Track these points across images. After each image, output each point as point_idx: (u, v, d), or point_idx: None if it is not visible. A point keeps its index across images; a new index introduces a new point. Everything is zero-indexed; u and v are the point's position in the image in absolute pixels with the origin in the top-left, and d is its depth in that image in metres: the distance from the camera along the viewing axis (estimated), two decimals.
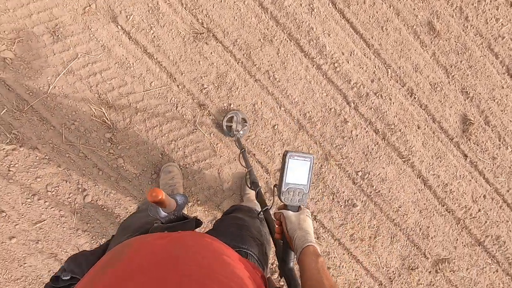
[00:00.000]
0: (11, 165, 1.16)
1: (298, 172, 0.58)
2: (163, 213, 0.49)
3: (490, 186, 1.46)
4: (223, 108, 1.24)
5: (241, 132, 1.19)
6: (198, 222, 0.54)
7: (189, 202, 1.20)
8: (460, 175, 1.43)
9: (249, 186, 0.80)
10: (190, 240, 0.41)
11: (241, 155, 0.94)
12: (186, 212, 0.89)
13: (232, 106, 1.24)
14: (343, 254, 1.33)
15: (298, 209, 0.58)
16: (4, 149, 1.14)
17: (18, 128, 1.15)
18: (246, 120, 1.23)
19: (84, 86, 1.17)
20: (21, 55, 1.11)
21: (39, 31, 1.11)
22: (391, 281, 1.37)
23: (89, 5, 1.14)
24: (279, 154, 1.29)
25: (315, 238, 0.53)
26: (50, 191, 1.21)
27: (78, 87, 1.17)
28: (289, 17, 1.27)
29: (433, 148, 1.40)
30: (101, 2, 1.15)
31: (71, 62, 1.14)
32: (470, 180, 1.44)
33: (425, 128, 1.40)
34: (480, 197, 1.44)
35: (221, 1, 1.22)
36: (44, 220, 1.18)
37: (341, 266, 1.32)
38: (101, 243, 0.82)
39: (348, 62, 1.33)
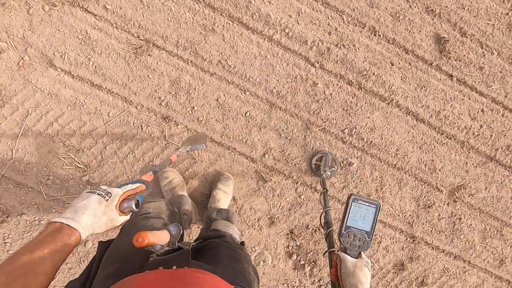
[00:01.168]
0: (6, 237, 1.47)
1: (361, 217, 0.70)
2: (158, 247, 0.60)
3: (486, 98, 1.76)
4: (187, 113, 1.52)
5: (328, 172, 1.51)
6: (193, 249, 0.67)
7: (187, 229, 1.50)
8: (450, 98, 1.72)
9: (321, 224, 0.99)
10: (191, 278, 0.49)
11: (322, 195, 1.17)
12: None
13: (196, 108, 1.52)
14: None
15: (357, 255, 0.69)
16: None
17: None
18: (336, 162, 1.55)
19: (45, 139, 1.45)
20: None
21: None
22: (411, 225, 1.70)
23: (22, 58, 1.40)
24: (259, 139, 1.58)
25: None
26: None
27: (40, 142, 1.45)
28: None
29: (413, 80, 1.69)
30: (32, 52, 1.41)
31: (25, 120, 1.42)
32: (462, 99, 1.73)
33: (399, 63, 1.68)
34: (478, 112, 1.74)
35: (149, 7, 1.47)
36: (54, 278, 1.50)
37: None
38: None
39: (298, 23, 1.59)
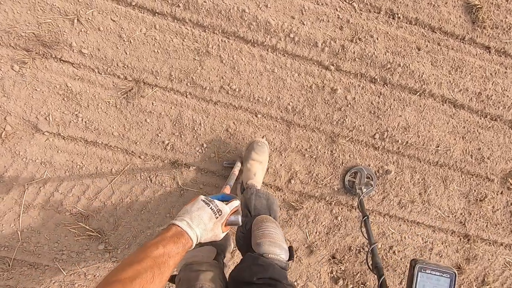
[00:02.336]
0: None
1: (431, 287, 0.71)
2: None
3: None
4: (197, 152, 1.70)
5: (364, 190, 1.66)
6: None
7: None
8: (491, 74, 1.88)
9: (370, 268, 1.00)
10: None
11: (362, 223, 1.23)
12: None
13: (205, 145, 1.70)
14: (399, 225, 1.89)
15: None
16: None
17: (16, 286, 1.69)
18: (372, 178, 1.71)
19: (50, 212, 1.66)
20: None
21: None
22: (463, 224, 1.94)
23: (3, 129, 1.56)
24: (281, 165, 1.78)
25: None
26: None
27: (45, 216, 1.66)
28: (213, 13, 1.63)
29: (446, 63, 1.84)
30: (12, 120, 1.57)
31: (23, 197, 1.62)
32: (505, 73, 1.90)
33: (427, 46, 1.82)
34: None
35: (131, 42, 1.60)
36: None
37: (403, 238, 1.89)
38: None
39: (303, 24, 1.72)
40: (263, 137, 1.69)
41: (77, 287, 1.71)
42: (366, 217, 1.30)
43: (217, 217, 0.82)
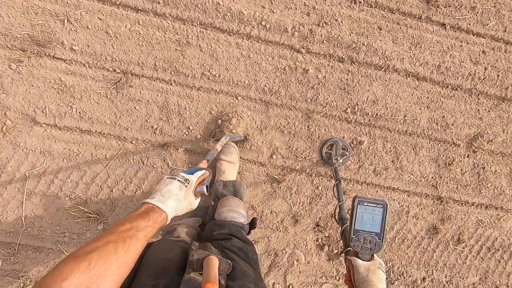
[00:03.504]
0: None
1: (369, 219, 0.81)
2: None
3: (484, 38, 2.08)
4: (184, 134, 1.83)
5: (340, 161, 1.80)
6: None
7: None
8: (448, 47, 2.05)
9: (336, 220, 1.13)
10: None
11: (335, 187, 1.34)
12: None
13: (191, 127, 1.84)
14: (376, 191, 2.02)
15: (370, 258, 0.81)
16: None
17: (22, 269, 1.79)
18: (347, 149, 1.84)
19: (51, 198, 1.77)
20: None
21: None
22: (435, 187, 2.08)
23: (4, 124, 1.68)
24: (262, 142, 1.91)
25: None
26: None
27: (46, 202, 1.77)
28: (190, 7, 1.77)
29: (406, 40, 2.00)
30: (12, 114, 1.69)
31: (25, 184, 1.73)
32: (460, 46, 2.06)
33: (387, 26, 1.99)
34: (479, 55, 2.07)
35: (117, 37, 1.74)
36: None
37: None
38: None
39: (273, 12, 1.87)
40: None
41: None
42: (338, 181, 1.42)
43: (186, 186, 0.85)
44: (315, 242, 1.99)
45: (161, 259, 0.89)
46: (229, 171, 1.71)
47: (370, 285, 0.75)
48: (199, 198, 0.92)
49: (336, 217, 1.15)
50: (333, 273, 1.99)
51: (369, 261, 0.81)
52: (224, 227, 1.16)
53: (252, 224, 1.27)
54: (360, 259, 0.81)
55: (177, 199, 0.82)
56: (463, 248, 2.10)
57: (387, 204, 0.84)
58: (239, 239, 1.10)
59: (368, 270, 0.77)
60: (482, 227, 2.11)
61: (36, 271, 1.78)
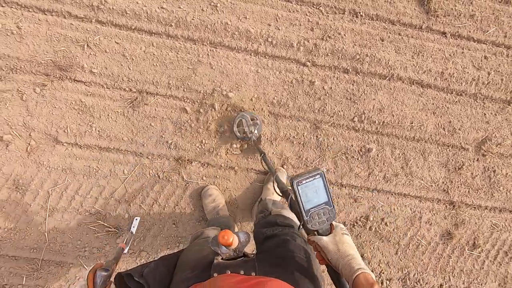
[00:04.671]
0: None
1: (312, 194, 0.79)
2: (224, 249, 0.80)
3: (485, 44, 2.10)
4: (197, 148, 1.88)
5: (255, 132, 1.73)
6: (265, 237, 0.99)
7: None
8: (450, 55, 2.07)
9: (279, 194, 1.07)
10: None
11: (262, 160, 1.36)
12: None
13: (204, 141, 1.88)
14: (387, 198, 2.01)
15: (330, 228, 0.80)
16: None
17: (45, 285, 1.82)
18: (255, 118, 1.78)
19: (72, 214, 1.81)
20: (4, 225, 1.76)
21: (5, 195, 1.75)
22: (447, 192, 2.06)
23: (28, 144, 1.76)
24: (273, 153, 1.94)
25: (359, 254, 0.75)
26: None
27: (68, 218, 1.81)
28: (200, 28, 1.86)
29: (408, 49, 2.04)
30: (36, 135, 1.77)
31: (47, 201, 1.78)
32: (462, 53, 2.09)
33: (389, 36, 2.03)
34: (481, 61, 2.09)
35: (133, 59, 1.82)
36: None
37: (392, 210, 2.00)
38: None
39: (279, 29, 1.94)
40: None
41: None
42: (263, 154, 1.41)
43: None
44: None
45: (194, 258, 0.93)
46: (277, 195, 1.76)
47: (345, 257, 0.72)
48: None
49: (277, 191, 1.09)
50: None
51: (330, 232, 0.79)
52: (287, 219, 1.21)
53: None
54: (323, 235, 0.79)
55: None
56: (479, 253, 2.06)
57: (322, 172, 0.81)
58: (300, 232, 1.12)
59: (336, 243, 0.75)
60: (498, 231, 2.07)
61: (58, 285, 1.81)
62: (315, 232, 0.81)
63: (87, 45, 1.77)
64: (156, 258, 1.02)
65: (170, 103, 1.83)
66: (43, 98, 1.75)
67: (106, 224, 1.79)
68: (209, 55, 1.85)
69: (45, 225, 1.76)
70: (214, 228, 1.55)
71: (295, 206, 0.85)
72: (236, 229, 1.82)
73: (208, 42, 1.85)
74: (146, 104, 1.81)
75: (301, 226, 0.85)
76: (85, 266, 1.81)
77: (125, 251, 1.27)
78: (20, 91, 1.74)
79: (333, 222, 0.81)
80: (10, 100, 1.73)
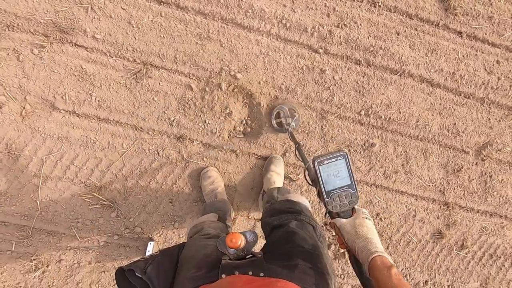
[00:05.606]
0: (50, 286, 1.80)
1: (335, 175, 0.76)
2: (232, 250, 0.76)
3: (499, 48, 2.04)
4: (200, 128, 1.80)
5: (293, 124, 1.70)
6: (270, 228, 0.96)
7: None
8: (463, 56, 2.01)
9: (310, 183, 1.03)
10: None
11: (296, 151, 1.33)
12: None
13: (207, 121, 1.80)
14: (385, 194, 1.99)
15: (352, 212, 0.77)
16: (35, 276, 1.77)
17: (35, 252, 1.76)
18: (295, 110, 1.75)
19: (66, 183, 1.73)
20: None
21: None
22: (443, 192, 2.05)
23: (23, 108, 1.65)
24: (276, 139, 1.88)
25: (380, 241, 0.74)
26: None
27: (61, 188, 1.73)
28: (213, 2, 1.73)
29: (422, 46, 1.96)
30: (32, 99, 1.66)
31: (41, 169, 1.70)
32: (475, 55, 2.02)
33: (405, 31, 1.95)
34: (493, 65, 2.03)
35: (139, 28, 1.70)
36: None
37: (388, 206, 1.99)
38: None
39: (294, 11, 1.83)
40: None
41: (90, 253, 1.78)
42: (298, 145, 1.36)
43: None
44: None
45: (198, 255, 0.90)
46: (278, 182, 1.74)
47: (362, 240, 0.69)
48: None
49: (308, 180, 1.05)
50: (338, 272, 1.96)
51: (351, 216, 0.77)
52: (295, 204, 1.18)
53: None
54: (343, 218, 0.77)
55: None
56: (466, 253, 2.08)
57: (346, 153, 0.78)
58: (308, 216, 1.09)
59: (355, 225, 0.73)
60: (486, 234, 2.09)
61: (49, 255, 1.75)
62: (336, 215, 0.78)
63: (91, 7, 1.64)
64: (156, 252, 0.96)
65: (175, 78, 1.73)
66: (41, 61, 1.63)
67: (101, 197, 1.73)
68: (219, 32, 1.74)
69: (37, 193, 1.69)
70: (213, 215, 1.48)
71: (322, 195, 0.82)
72: (233, 213, 1.78)
73: (219, 18, 1.74)
74: (150, 77, 1.70)
75: (326, 213, 0.82)
76: (78, 237, 1.76)
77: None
78: (16, 50, 1.61)
79: (355, 206, 0.78)
80: (6, 59, 1.60)
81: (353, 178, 0.78)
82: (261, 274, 0.75)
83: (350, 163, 0.78)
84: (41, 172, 1.68)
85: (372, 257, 0.64)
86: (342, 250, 1.97)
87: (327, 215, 0.83)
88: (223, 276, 0.74)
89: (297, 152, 1.32)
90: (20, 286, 1.74)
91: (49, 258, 1.75)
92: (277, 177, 1.73)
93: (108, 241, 1.78)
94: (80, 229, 1.75)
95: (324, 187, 0.77)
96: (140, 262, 0.89)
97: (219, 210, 1.60)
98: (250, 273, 0.75)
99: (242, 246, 0.78)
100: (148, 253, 1.34)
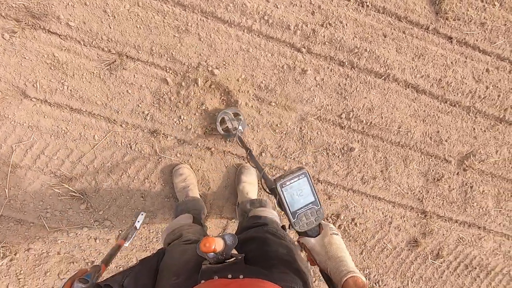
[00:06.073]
0: (18, 274, 1.78)
1: (298, 194, 0.75)
2: (211, 255, 0.74)
3: (490, 56, 1.96)
4: (175, 123, 1.74)
5: (239, 128, 1.62)
6: (239, 242, 0.86)
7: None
8: (451, 62, 1.93)
9: (268, 192, 0.97)
10: None
11: (248, 156, 1.25)
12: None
13: (182, 117, 1.75)
14: (362, 199, 1.94)
15: (319, 229, 0.76)
16: (2, 263, 1.75)
17: (3, 240, 1.74)
18: (239, 114, 1.67)
19: (36, 173, 1.70)
20: None
21: None
22: (421, 201, 2.00)
23: None
24: (253, 138, 1.82)
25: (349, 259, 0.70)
26: (63, 278, 1.85)
27: (31, 177, 1.70)
28: None
29: (410, 50, 1.88)
30: (2, 85, 1.60)
31: (11, 157, 1.66)
32: (465, 62, 1.94)
33: (392, 33, 1.86)
34: (482, 73, 1.95)
35: (115, 17, 1.63)
36: None
37: (364, 211, 1.94)
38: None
39: (277, 7, 1.75)
40: (247, 163, 1.80)
41: (59, 243, 1.76)
42: (249, 150, 1.32)
43: None
44: (296, 243, 1.92)
45: (178, 262, 0.89)
46: (252, 192, 1.71)
47: (334, 260, 0.68)
48: None
49: (266, 188, 0.99)
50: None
51: (319, 233, 0.76)
52: (261, 218, 1.20)
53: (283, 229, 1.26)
54: (312, 236, 0.75)
55: None
56: (441, 263, 2.04)
57: (306, 171, 0.77)
58: (275, 227, 1.09)
59: (324, 245, 0.71)
60: (463, 245, 2.05)
61: (17, 243, 1.73)
62: (304, 234, 0.77)
63: None
64: (135, 263, 0.93)
65: (150, 71, 1.67)
66: (12, 46, 1.57)
67: (71, 188, 1.69)
68: (198, 25, 1.67)
69: (6, 180, 1.65)
70: (188, 216, 1.45)
71: (282, 204, 0.81)
72: (205, 211, 1.74)
73: (199, 10, 1.66)
74: (125, 69, 1.64)
75: (290, 227, 0.81)
76: (47, 227, 1.73)
77: (126, 244, 1.15)
78: None
79: (322, 222, 0.77)
80: None
81: (316, 194, 0.77)
82: (241, 276, 0.74)
83: (311, 179, 0.77)
84: (10, 160, 1.64)
85: (344, 279, 0.64)
86: None
87: (291, 229, 0.82)
88: (202, 281, 0.74)
89: (249, 158, 1.28)
90: None
91: (18, 246, 1.73)
92: (249, 187, 1.70)
93: (78, 233, 1.75)
94: (49, 219, 1.72)
95: (289, 208, 0.76)
96: (117, 276, 0.86)
97: (193, 209, 1.57)
98: (230, 276, 0.74)
99: (220, 249, 0.77)
100: (137, 223, 1.32)
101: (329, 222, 1.90)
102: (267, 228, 1.06)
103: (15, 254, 1.73)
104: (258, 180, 1.11)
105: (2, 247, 1.71)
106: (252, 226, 1.13)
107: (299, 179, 0.76)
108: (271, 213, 1.33)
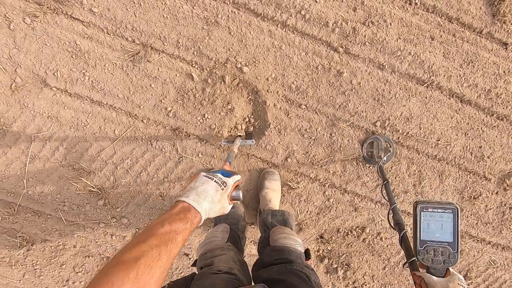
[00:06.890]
0: (34, 264, 1.75)
1: (437, 227, 0.69)
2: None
3: None
4: (198, 122, 1.62)
5: (384, 159, 1.56)
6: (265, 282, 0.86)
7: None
8: (504, 71, 1.71)
9: (392, 226, 0.94)
10: None
11: (383, 188, 1.18)
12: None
13: (206, 116, 1.62)
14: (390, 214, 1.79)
15: (444, 272, 0.68)
16: (20, 253, 1.71)
17: (20, 230, 1.69)
18: (390, 145, 1.61)
19: (54, 165, 1.62)
20: None
21: None
22: None
23: (14, 81, 1.50)
24: (279, 142, 1.68)
25: None
26: (79, 271, 1.80)
27: (49, 168, 1.63)
28: None
29: (458, 55, 1.67)
30: (22, 72, 1.51)
31: (29, 147, 1.58)
32: None
33: (441, 36, 1.65)
34: None
35: (141, 5, 1.49)
36: None
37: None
38: None
39: (316, 1, 1.57)
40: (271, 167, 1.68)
41: (76, 237, 1.70)
42: (386, 182, 1.23)
43: (223, 189, 0.77)
44: (316, 252, 1.81)
45: None
46: (275, 200, 1.60)
47: None
48: (232, 204, 0.83)
49: (391, 222, 0.96)
50: (328, 286, 1.82)
51: (444, 276, 0.68)
52: (284, 253, 1.10)
53: (307, 255, 1.17)
54: (433, 274, 0.68)
55: (211, 201, 0.73)
56: (468, 285, 1.89)
57: (457, 208, 0.70)
58: (299, 264, 1.03)
59: None
60: (494, 268, 1.88)
61: (34, 234, 1.68)
62: (425, 268, 0.71)
63: None
64: (164, 286, 0.87)
65: (176, 65, 1.54)
66: (33, 31, 1.46)
67: (89, 183, 1.61)
68: (229, 18, 1.51)
69: (24, 171, 1.58)
70: (224, 229, 1.33)
71: (405, 241, 0.77)
72: (245, 217, 1.62)
73: (230, 1, 1.50)
74: (149, 61, 1.52)
75: (408, 263, 0.75)
76: (64, 220, 1.67)
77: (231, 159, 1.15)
78: (7, 17, 1.44)
79: (450, 269, 0.69)
80: None
81: (458, 238, 0.70)
82: None
83: (459, 220, 0.70)
84: (29, 151, 1.56)
85: None
86: (334, 266, 1.82)
87: (408, 263, 0.75)
88: None
89: (383, 190, 1.19)
90: (5, 261, 1.69)
91: (34, 237, 1.68)
92: (272, 194, 1.58)
93: (94, 228, 1.69)
94: (66, 212, 1.65)
95: (420, 234, 0.70)
96: None
97: (231, 218, 1.47)
98: None
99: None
100: (235, 146, 1.35)
101: (353, 234, 1.77)
102: (291, 267, 1.00)
103: (32, 245, 1.68)
104: (388, 213, 0.99)
105: (19, 236, 1.66)
106: (275, 263, 1.05)
107: (444, 211, 0.70)
108: (294, 240, 1.21)
